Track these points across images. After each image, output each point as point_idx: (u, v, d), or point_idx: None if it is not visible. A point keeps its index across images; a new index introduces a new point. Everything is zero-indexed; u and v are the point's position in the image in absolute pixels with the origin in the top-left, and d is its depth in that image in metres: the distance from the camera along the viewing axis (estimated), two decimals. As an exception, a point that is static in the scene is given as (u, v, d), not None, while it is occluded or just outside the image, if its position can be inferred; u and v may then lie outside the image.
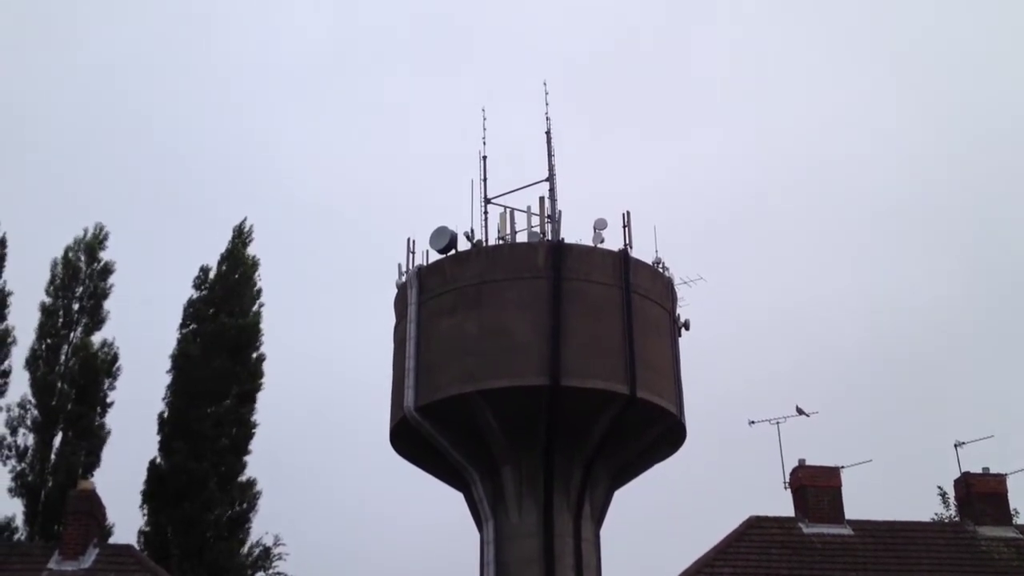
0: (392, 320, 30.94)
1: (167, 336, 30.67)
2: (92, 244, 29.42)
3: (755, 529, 24.17)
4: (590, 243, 28.88)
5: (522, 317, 27.63)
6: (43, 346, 27.85)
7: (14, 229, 30.45)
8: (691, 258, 59.69)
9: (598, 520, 28.81)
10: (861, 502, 24.70)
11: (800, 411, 25.06)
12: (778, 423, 24.69)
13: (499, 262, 28.71)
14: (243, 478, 27.52)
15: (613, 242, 29.25)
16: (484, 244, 29.44)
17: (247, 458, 27.92)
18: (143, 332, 35.53)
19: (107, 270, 29.65)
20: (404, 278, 29.93)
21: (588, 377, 27.21)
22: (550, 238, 29.10)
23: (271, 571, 28.07)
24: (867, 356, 74.06)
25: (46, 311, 28.24)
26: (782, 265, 77.84)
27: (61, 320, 28.22)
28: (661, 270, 29.94)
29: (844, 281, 77.90)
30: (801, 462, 24.44)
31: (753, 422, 24.98)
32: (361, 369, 77.98)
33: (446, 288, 28.76)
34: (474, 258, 28.95)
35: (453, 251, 29.40)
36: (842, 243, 79.64)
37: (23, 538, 25.88)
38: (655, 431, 28.29)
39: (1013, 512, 24.94)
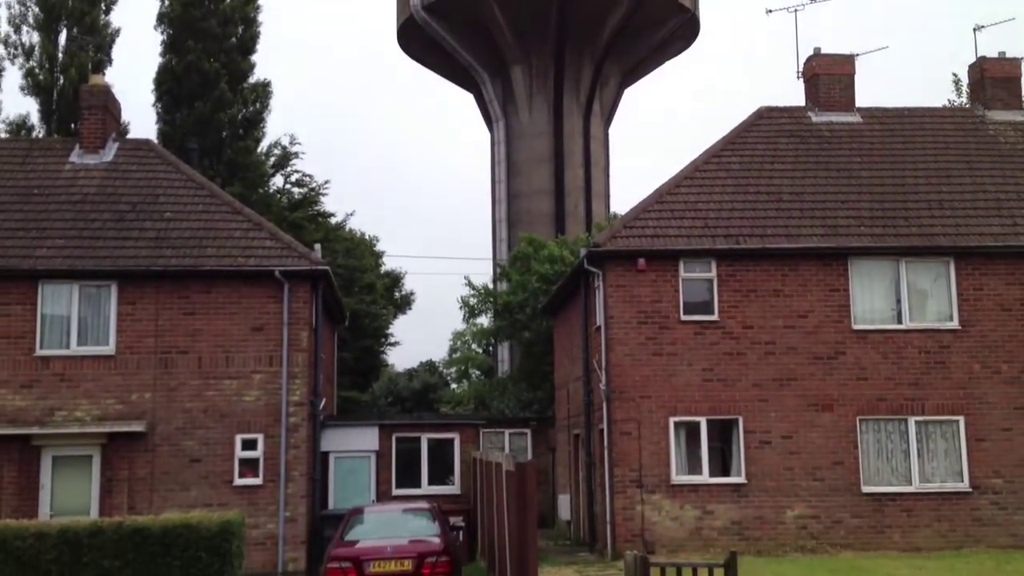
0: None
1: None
2: None
3: (764, 120, 24.23)
4: None
5: (532, -91, 26.26)
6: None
7: None
8: None
9: (607, 119, 28.95)
10: (876, 91, 24.60)
11: (816, -2, 24.24)
12: (796, 11, 24.01)
13: None
14: (254, 79, 27.37)
15: None
16: None
17: (254, 58, 27.56)
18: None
19: None
20: None
21: (599, -31, 26.41)
22: None
23: (290, 168, 28.70)
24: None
25: None
26: None
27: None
28: None
29: None
30: (816, 51, 24.03)
31: (771, 11, 24.26)
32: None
33: None
34: None
35: None
36: None
37: (40, 135, 26.11)
38: (669, 26, 27.69)
39: (1024, 97, 24.75)
